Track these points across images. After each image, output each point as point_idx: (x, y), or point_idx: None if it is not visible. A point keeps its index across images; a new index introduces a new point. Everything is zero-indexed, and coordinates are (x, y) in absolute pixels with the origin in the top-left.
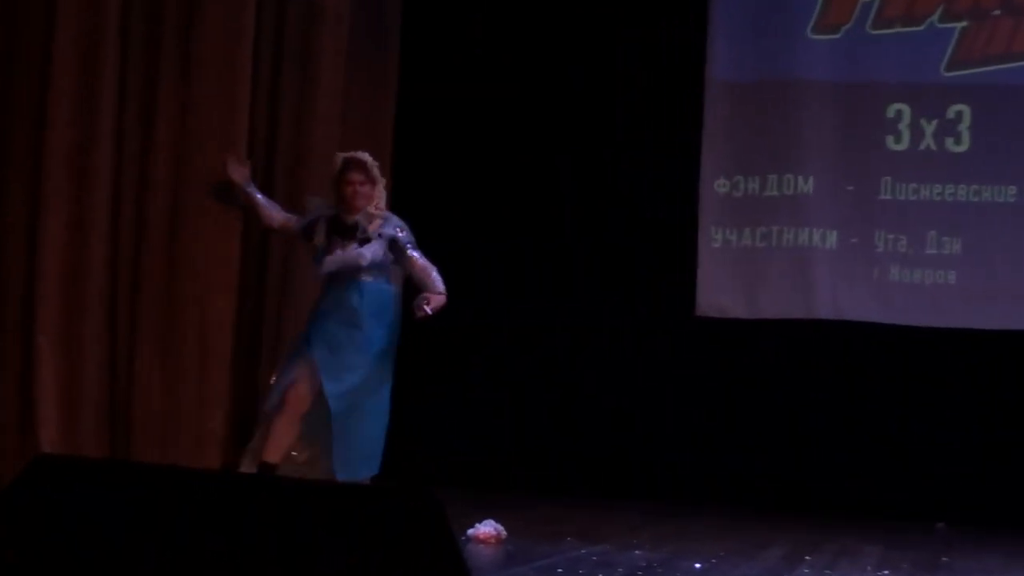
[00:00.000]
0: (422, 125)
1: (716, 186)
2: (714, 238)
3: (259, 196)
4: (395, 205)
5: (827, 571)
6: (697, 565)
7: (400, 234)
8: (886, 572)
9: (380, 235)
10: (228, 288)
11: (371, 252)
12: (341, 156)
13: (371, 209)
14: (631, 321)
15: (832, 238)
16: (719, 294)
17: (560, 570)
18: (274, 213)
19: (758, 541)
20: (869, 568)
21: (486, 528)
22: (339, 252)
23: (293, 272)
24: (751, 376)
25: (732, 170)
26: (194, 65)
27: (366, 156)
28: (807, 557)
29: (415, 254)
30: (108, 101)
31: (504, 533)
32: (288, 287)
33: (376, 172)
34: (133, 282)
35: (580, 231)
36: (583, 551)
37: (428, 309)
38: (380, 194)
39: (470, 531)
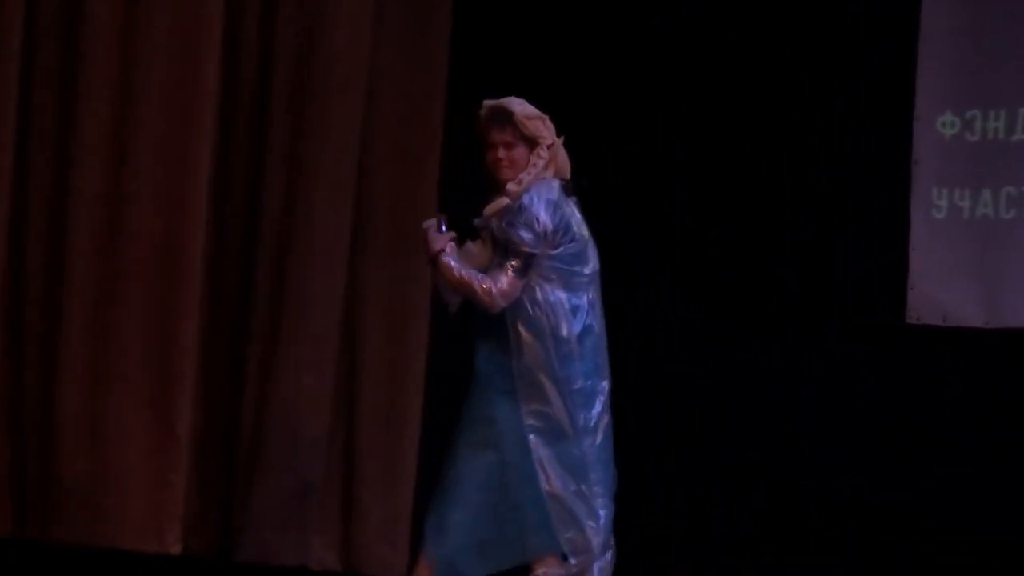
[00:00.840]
0: None
1: (939, 125)
2: (937, 205)
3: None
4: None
5: None
6: None
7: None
8: None
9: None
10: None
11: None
12: (481, 107)
13: (513, 185)
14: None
15: None
16: (941, 291)
17: None
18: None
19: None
20: None
21: None
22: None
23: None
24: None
25: (964, 101)
26: None
27: (514, 104)
28: None
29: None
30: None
31: None
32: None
33: (533, 128)
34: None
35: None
36: None
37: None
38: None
39: None
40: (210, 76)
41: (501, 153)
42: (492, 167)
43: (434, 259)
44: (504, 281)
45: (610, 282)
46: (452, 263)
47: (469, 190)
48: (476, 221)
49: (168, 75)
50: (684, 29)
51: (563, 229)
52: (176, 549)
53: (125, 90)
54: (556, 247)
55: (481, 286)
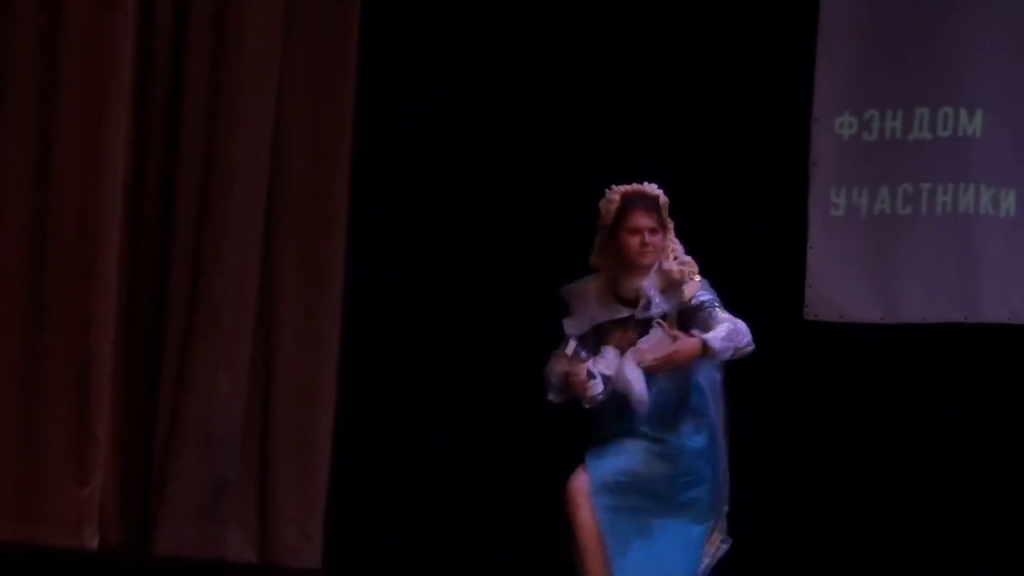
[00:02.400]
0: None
1: (837, 126)
2: (834, 203)
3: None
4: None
5: None
6: None
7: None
8: None
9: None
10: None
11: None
12: (617, 192)
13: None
14: None
15: (1010, 200)
16: (838, 289)
17: None
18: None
19: None
20: None
21: None
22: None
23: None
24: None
25: (861, 102)
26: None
27: (657, 189)
28: None
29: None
30: None
31: None
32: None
33: (666, 214)
34: None
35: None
36: None
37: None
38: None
39: None
40: (124, 70)
41: (647, 238)
42: (636, 253)
43: (670, 359)
44: (733, 322)
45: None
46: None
47: (381, 181)
48: (657, 311)
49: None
50: (593, 24)
51: None
52: (93, 544)
53: (45, 89)
54: None
55: (740, 342)
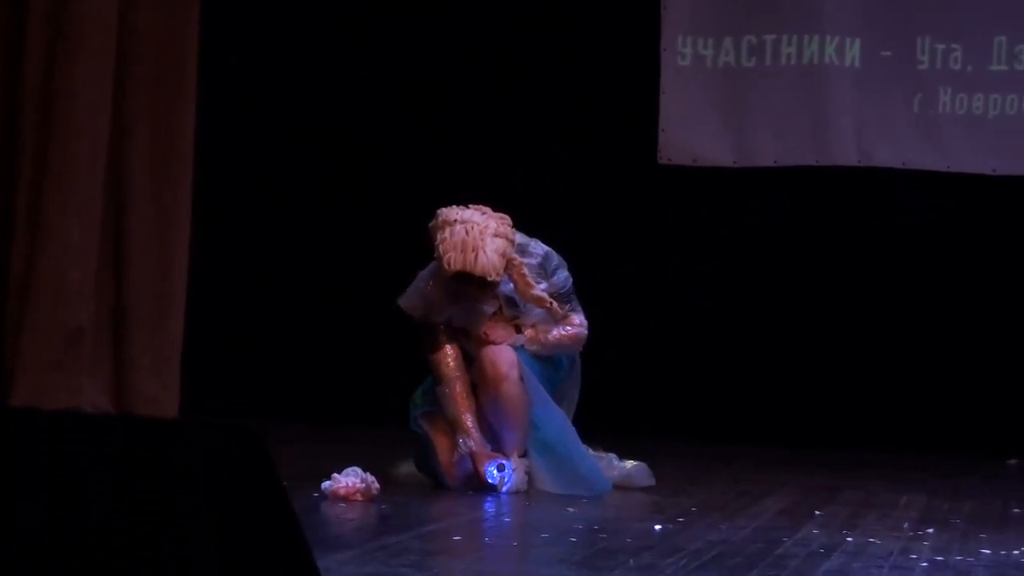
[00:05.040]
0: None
1: None
2: (681, 52)
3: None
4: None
5: (845, 531)
6: (657, 527)
7: None
8: (930, 530)
9: None
10: None
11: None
12: (452, 270)
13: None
14: (570, 175)
15: (855, 50)
16: (691, 134)
17: (457, 537)
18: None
19: (749, 488)
20: (906, 526)
21: (349, 479)
22: None
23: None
24: (738, 256)
25: None
26: None
27: (489, 264)
28: (817, 512)
29: None
30: None
31: (376, 485)
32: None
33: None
34: None
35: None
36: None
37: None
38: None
39: (326, 484)
40: None
41: (484, 306)
42: (470, 314)
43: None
44: (581, 317)
45: None
46: (536, 336)
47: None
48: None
49: None
50: None
51: None
52: None
53: None
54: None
55: (576, 337)
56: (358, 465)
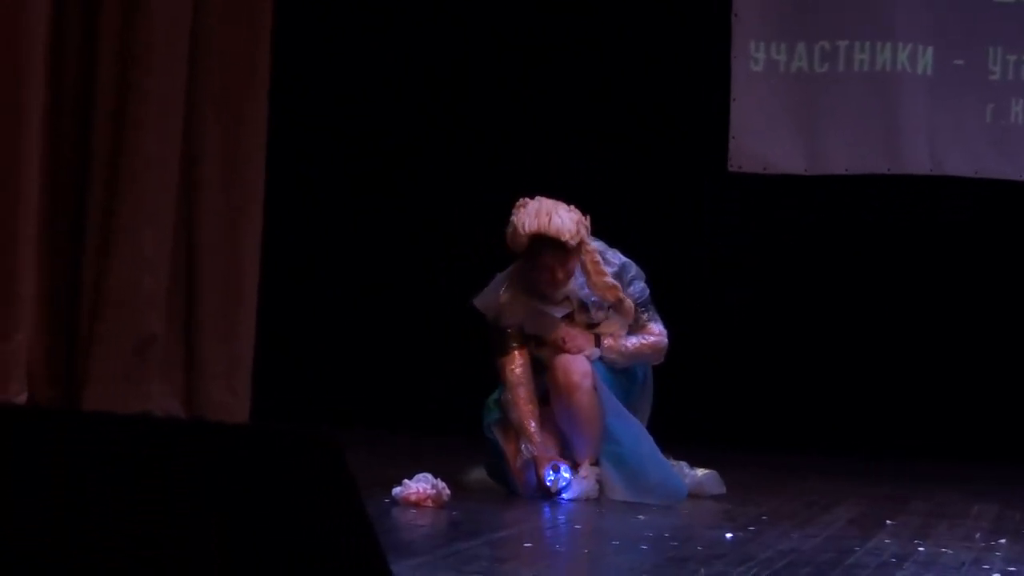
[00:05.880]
0: None
1: None
2: (754, 57)
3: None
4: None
5: (916, 541)
6: (728, 535)
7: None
8: (1003, 540)
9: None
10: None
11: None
12: (524, 235)
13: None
14: (637, 185)
15: (927, 58)
16: (762, 141)
17: (528, 544)
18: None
19: (818, 498)
20: (978, 536)
21: (420, 485)
22: None
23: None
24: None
25: None
26: None
27: (563, 226)
28: (888, 521)
29: None
30: None
31: (447, 492)
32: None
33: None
34: None
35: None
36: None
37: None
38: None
39: (397, 490)
40: None
41: (560, 274)
42: (547, 285)
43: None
44: (660, 326)
45: None
46: (615, 344)
47: (300, 42)
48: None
49: None
50: None
51: None
52: (21, 399)
53: None
54: None
55: (655, 346)
56: (428, 471)
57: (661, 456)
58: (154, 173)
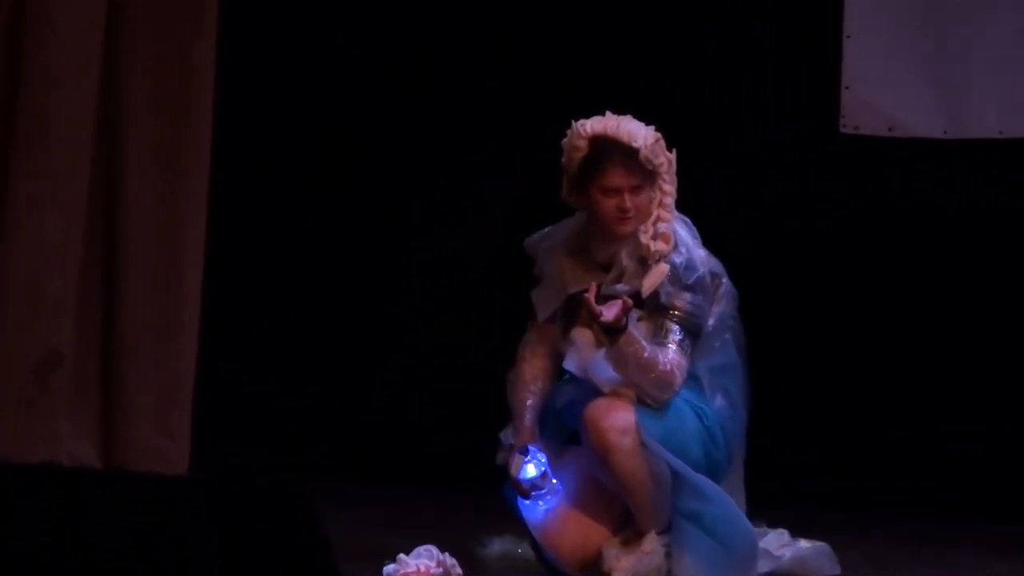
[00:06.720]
0: None
1: None
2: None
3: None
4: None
5: None
6: None
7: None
8: None
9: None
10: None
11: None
12: (584, 136)
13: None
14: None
15: None
16: (890, 92)
17: None
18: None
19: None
20: None
21: (421, 562)
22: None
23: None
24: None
25: None
26: None
27: (636, 132)
28: None
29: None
30: None
31: (458, 571)
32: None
33: (655, 158)
34: None
35: None
36: None
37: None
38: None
39: (390, 568)
40: None
41: (628, 201)
42: (612, 220)
43: (616, 329)
44: (678, 359)
45: None
46: (639, 337)
47: (261, 33)
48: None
49: None
50: None
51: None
52: None
53: None
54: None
55: (658, 377)
56: (432, 542)
57: (747, 524)
58: (63, 141)
